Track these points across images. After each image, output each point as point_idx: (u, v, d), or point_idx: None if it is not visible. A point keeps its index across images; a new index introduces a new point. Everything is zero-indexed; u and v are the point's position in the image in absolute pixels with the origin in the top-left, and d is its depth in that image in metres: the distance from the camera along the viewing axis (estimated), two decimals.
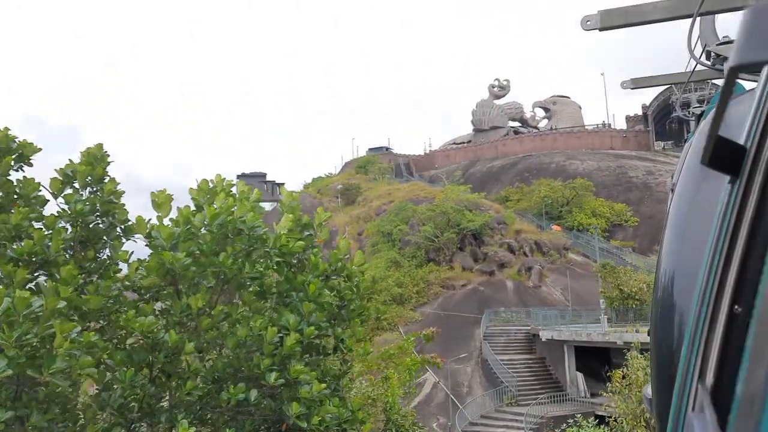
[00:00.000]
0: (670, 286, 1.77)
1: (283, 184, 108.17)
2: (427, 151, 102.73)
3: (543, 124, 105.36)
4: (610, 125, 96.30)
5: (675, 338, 1.62)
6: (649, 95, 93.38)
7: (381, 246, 58.32)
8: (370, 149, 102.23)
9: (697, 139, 1.94)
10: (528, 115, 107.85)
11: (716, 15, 3.43)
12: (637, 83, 4.81)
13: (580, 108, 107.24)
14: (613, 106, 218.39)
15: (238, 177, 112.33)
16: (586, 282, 47.24)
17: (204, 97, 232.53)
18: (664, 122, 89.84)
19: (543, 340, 34.73)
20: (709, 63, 3.36)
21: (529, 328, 38.82)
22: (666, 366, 1.67)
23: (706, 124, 1.94)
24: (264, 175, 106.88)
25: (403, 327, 44.74)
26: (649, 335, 1.91)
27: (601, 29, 3.30)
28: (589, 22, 3.27)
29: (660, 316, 1.79)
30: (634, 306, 37.99)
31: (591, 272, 49.48)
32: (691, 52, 3.36)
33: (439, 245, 52.21)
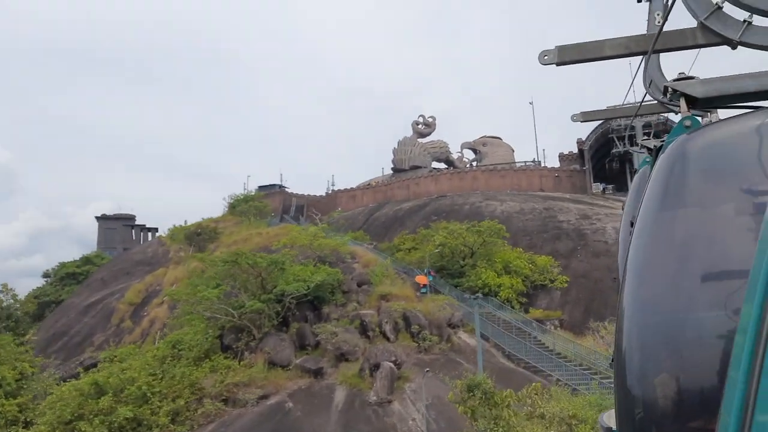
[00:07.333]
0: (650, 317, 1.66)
1: (155, 229, 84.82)
2: (330, 191, 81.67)
3: None
4: (540, 163, 77.34)
5: (658, 378, 1.56)
6: (585, 129, 75.45)
7: (193, 317, 35.54)
8: (260, 187, 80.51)
9: (658, 174, 1.93)
10: (455, 155, 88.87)
11: (661, 53, 3.47)
12: (588, 116, 4.57)
13: (513, 151, 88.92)
14: (544, 141, 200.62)
15: (98, 219, 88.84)
16: None
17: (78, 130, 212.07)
18: (603, 161, 71.44)
19: None
20: (665, 98, 2.82)
21: None
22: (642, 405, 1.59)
23: (666, 157, 1.94)
24: (132, 218, 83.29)
25: None
26: (612, 366, 1.79)
27: (558, 64, 3.23)
28: (546, 57, 3.20)
29: (638, 352, 1.66)
30: None
31: (488, 367, 28.01)
32: (647, 87, 3.47)
33: (242, 322, 29.99)
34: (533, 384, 18.97)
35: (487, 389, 16.95)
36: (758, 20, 2.87)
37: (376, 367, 26.73)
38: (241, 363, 28.46)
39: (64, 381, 33.54)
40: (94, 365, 34.93)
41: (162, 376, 27.41)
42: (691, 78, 2.60)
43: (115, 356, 33.92)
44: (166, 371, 27.84)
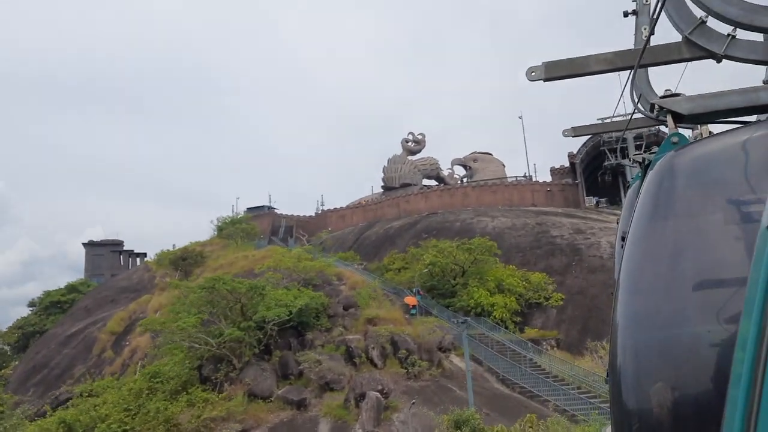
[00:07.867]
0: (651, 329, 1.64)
1: (144, 254, 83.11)
2: (319, 211, 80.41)
3: None
4: (531, 177, 76.35)
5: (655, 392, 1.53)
6: (576, 143, 74.61)
7: (173, 347, 33.93)
8: (249, 208, 79.20)
9: (647, 190, 1.93)
10: (446, 172, 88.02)
11: (649, 68, 3.47)
12: (579, 131, 4.50)
13: (504, 166, 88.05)
14: (534, 156, 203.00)
15: (85, 245, 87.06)
16: None
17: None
18: (595, 174, 70.46)
19: None
20: (653, 114, 2.90)
21: None
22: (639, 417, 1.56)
23: (655, 174, 1.94)
24: (119, 244, 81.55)
25: None
26: (608, 381, 1.76)
27: (545, 80, 3.23)
28: (534, 73, 3.21)
29: (636, 363, 1.64)
30: None
31: (481, 393, 26.47)
32: (635, 102, 3.44)
33: (222, 352, 28.45)
34: (527, 416, 17.50)
35: (475, 426, 15.49)
36: (742, 34, 2.87)
37: (362, 396, 25.14)
38: (220, 395, 26.81)
39: (38, 418, 31.85)
40: (71, 399, 33.20)
41: (137, 412, 25.77)
42: (678, 95, 2.63)
43: (92, 390, 32.21)
44: (142, 406, 26.20)
